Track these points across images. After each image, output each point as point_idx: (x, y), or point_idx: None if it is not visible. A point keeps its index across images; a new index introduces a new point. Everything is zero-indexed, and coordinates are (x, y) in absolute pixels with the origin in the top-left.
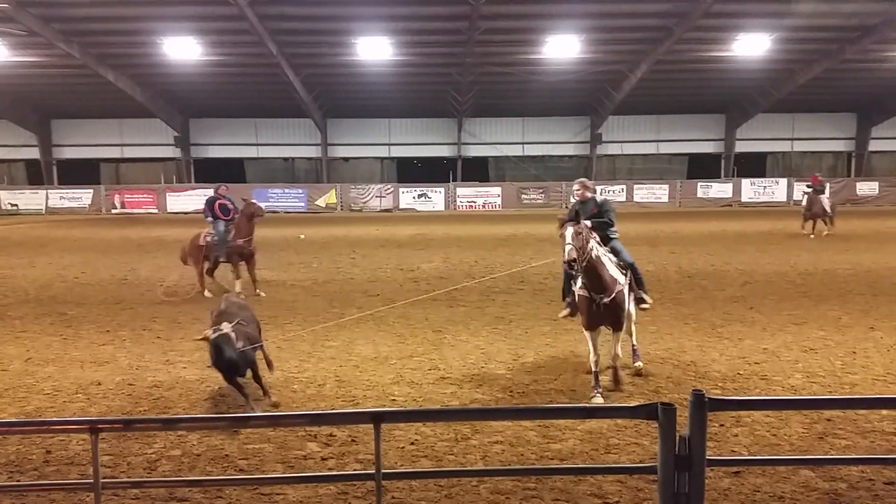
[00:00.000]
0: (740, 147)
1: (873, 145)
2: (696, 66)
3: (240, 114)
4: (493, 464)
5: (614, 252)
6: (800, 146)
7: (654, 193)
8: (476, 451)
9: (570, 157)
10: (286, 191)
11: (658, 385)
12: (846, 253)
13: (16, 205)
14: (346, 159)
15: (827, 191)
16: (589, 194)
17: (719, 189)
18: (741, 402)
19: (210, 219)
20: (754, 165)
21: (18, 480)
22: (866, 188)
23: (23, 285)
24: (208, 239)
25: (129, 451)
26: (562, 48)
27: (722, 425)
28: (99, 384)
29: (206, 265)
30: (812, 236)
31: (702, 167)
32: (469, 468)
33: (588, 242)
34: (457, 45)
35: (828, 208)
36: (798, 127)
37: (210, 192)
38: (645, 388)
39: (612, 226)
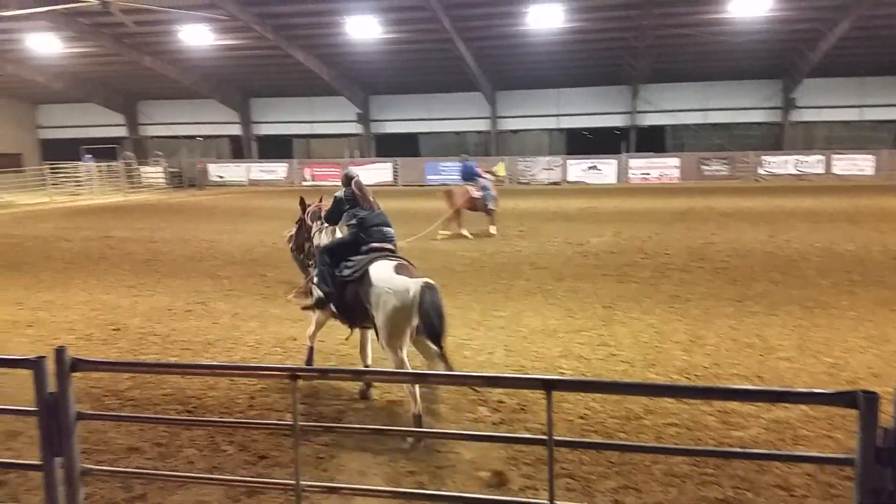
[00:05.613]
0: None
1: None
2: None
3: (414, 90)
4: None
5: None
6: None
7: (856, 164)
8: (649, 432)
9: (759, 124)
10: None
11: (856, 376)
12: None
13: (222, 176)
14: (514, 132)
15: None
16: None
17: None
18: None
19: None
20: None
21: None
22: None
23: (230, 249)
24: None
25: (319, 402)
26: (750, 6)
27: None
28: (294, 339)
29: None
30: None
31: None
32: (645, 443)
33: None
34: (633, 8)
35: None
36: None
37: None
38: (839, 378)
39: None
